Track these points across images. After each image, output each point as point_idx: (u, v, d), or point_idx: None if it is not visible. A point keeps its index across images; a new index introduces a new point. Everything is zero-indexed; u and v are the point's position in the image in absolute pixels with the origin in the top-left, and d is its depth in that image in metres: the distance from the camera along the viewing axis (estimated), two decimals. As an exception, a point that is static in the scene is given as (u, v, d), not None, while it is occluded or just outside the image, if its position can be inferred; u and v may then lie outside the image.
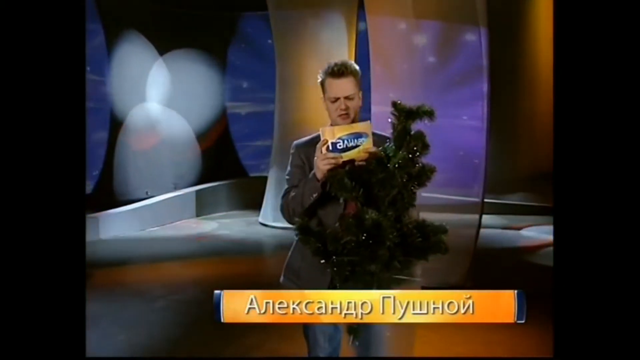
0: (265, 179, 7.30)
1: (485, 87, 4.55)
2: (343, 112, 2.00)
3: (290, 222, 2.00)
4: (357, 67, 2.05)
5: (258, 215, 6.94)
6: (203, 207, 7.41)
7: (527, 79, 7.20)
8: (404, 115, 1.74)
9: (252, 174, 8.95)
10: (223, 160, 8.64)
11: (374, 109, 5.20)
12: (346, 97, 2.00)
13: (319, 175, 1.89)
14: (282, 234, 6.30)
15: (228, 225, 6.87)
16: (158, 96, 8.04)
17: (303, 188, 1.93)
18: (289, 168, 2.07)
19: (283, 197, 2.03)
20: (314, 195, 1.89)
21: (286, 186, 2.05)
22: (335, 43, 6.50)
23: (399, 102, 1.75)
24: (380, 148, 1.80)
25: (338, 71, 2.00)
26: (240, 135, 9.09)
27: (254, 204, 7.25)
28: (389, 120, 1.78)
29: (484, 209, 4.55)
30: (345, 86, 2.00)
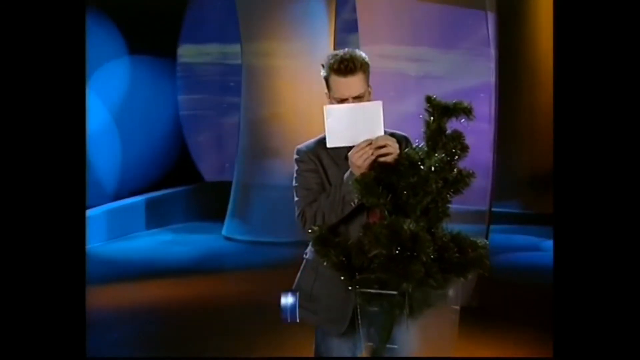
0: (225, 184, 7.28)
1: (493, 80, 4.69)
2: None
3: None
4: (367, 59, 2.07)
5: (221, 228, 6.91)
6: (154, 218, 7.33)
7: (535, 71, 7.41)
8: (439, 112, 1.81)
9: (209, 179, 8.89)
10: (174, 163, 8.55)
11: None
12: (355, 97, 2.02)
13: (359, 175, 1.86)
14: (252, 250, 6.30)
15: (186, 239, 6.82)
16: (93, 84, 7.88)
17: (338, 193, 1.94)
18: (296, 174, 2.10)
19: (299, 204, 2.04)
20: (356, 202, 1.90)
21: (296, 196, 2.06)
22: (310, 26, 6.55)
23: (433, 97, 1.83)
24: (408, 149, 1.87)
25: (346, 68, 2.00)
26: (195, 133, 9.02)
27: (214, 214, 7.22)
28: (420, 116, 1.85)
29: (492, 218, 4.68)
30: (354, 85, 2.01)
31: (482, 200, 4.63)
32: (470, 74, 4.88)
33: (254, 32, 6.66)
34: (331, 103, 2.05)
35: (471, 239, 1.83)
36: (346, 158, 1.95)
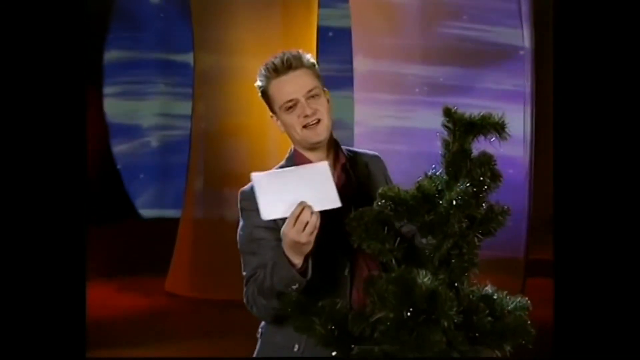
0: (171, 222, 7.26)
1: (528, 83, 4.78)
2: (311, 120, 2.04)
3: (263, 318, 2.09)
4: (312, 59, 2.14)
5: (163, 281, 6.89)
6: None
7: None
8: (462, 128, 1.85)
9: (147, 215, 8.87)
10: (103, 194, 8.52)
11: (358, 114, 5.34)
12: (308, 94, 2.06)
13: (296, 256, 1.90)
14: (205, 310, 6.27)
15: (117, 297, 6.78)
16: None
17: (271, 275, 1.95)
18: (241, 230, 2.11)
19: (247, 281, 2.07)
20: (294, 287, 1.92)
21: (242, 263, 2.09)
22: (283, 21, 6.58)
23: (454, 109, 1.86)
24: (424, 177, 1.90)
25: (285, 64, 2.06)
26: (128, 154, 9.01)
27: (154, 262, 7.19)
28: (437, 134, 1.88)
29: (528, 269, 4.72)
30: (300, 80, 2.07)
31: (515, 245, 4.68)
32: (496, 76, 4.96)
33: (209, 19, 6.70)
34: (279, 120, 2.10)
35: (508, 297, 1.86)
36: None
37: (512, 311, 1.84)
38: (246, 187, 2.11)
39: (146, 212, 8.85)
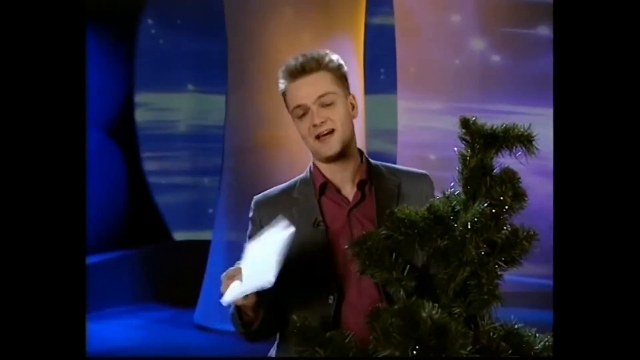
0: (204, 244, 7.32)
1: (550, 91, 4.73)
2: (322, 130, 2.10)
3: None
4: (337, 59, 2.18)
5: (192, 313, 6.94)
6: (91, 295, 7.38)
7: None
8: (482, 141, 1.84)
9: (179, 237, 8.94)
10: (127, 213, 8.62)
11: (402, 117, 5.32)
12: (319, 101, 2.10)
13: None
14: (237, 346, 6.30)
15: (138, 331, 6.84)
16: None
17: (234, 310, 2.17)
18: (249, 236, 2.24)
19: None
20: (242, 332, 2.18)
21: None
22: (323, 17, 6.61)
23: (472, 118, 1.86)
24: (439, 197, 1.89)
25: (302, 66, 2.12)
26: (159, 169, 9.11)
27: (184, 291, 7.24)
28: (455, 149, 1.88)
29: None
30: (312, 85, 2.11)
31: (545, 274, 4.59)
32: (519, 76, 4.91)
33: (244, 32, 6.75)
34: (297, 127, 2.17)
35: (535, 334, 1.84)
36: (317, 224, 2.13)
37: (540, 352, 1.82)
38: (260, 195, 2.26)
39: (177, 235, 8.92)
